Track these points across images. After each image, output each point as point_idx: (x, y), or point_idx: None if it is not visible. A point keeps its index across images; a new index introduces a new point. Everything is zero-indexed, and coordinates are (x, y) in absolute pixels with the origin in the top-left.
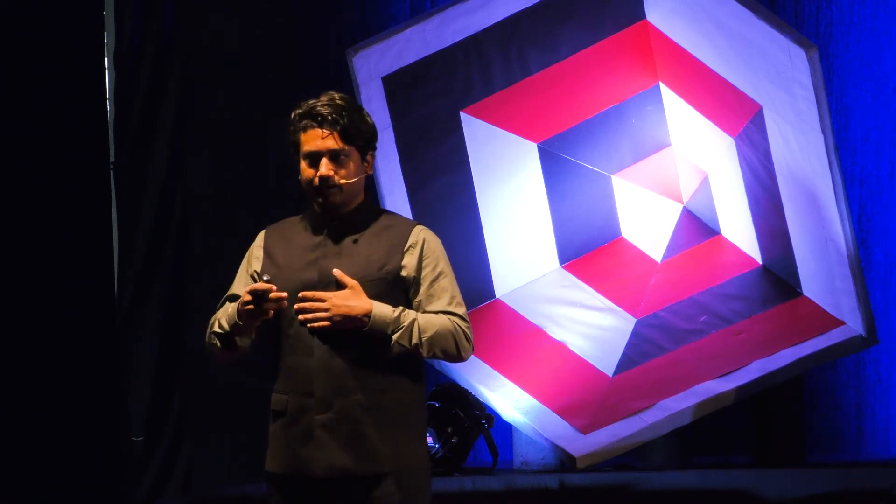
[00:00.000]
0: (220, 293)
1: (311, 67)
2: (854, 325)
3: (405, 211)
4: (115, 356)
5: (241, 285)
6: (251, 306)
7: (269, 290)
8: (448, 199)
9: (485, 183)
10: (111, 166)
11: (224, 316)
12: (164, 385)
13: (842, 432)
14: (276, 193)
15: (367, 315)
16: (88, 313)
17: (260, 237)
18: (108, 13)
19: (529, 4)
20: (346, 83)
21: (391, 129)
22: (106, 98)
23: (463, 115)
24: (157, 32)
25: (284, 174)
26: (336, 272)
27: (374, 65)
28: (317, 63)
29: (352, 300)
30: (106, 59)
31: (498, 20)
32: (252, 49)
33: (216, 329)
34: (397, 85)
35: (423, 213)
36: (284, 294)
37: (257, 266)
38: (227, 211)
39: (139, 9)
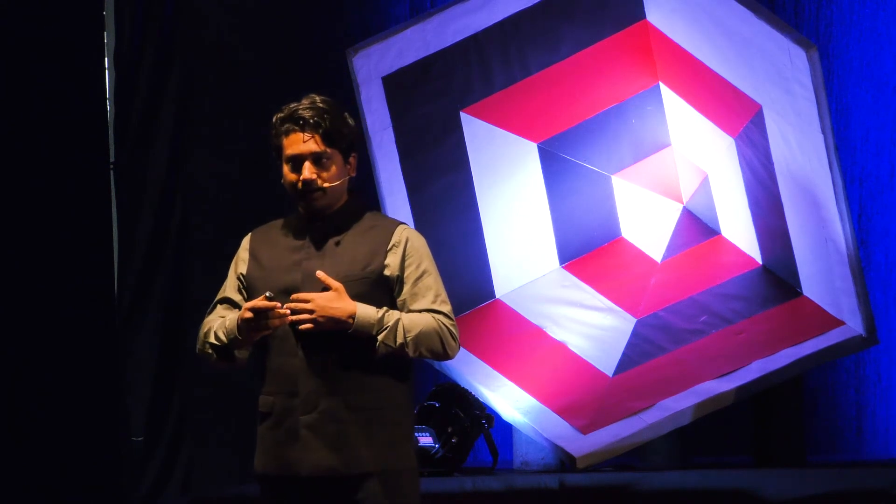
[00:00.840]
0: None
1: (311, 67)
2: (854, 325)
3: (405, 211)
4: (115, 356)
5: (231, 289)
6: (253, 323)
7: (273, 307)
8: (448, 199)
9: (485, 183)
10: (111, 166)
11: (220, 328)
12: (164, 385)
13: (842, 432)
14: (276, 193)
15: (352, 317)
16: (88, 313)
17: (246, 240)
18: (108, 13)
19: (529, 4)
20: (346, 83)
21: (391, 129)
22: (106, 98)
23: (463, 115)
24: (157, 32)
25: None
26: (319, 274)
27: (374, 65)
28: (317, 63)
29: (336, 302)
30: (106, 59)
31: (498, 20)
32: (252, 49)
33: (212, 340)
34: (397, 85)
35: (423, 213)
36: (287, 311)
37: (243, 269)
38: (227, 211)
39: (139, 9)
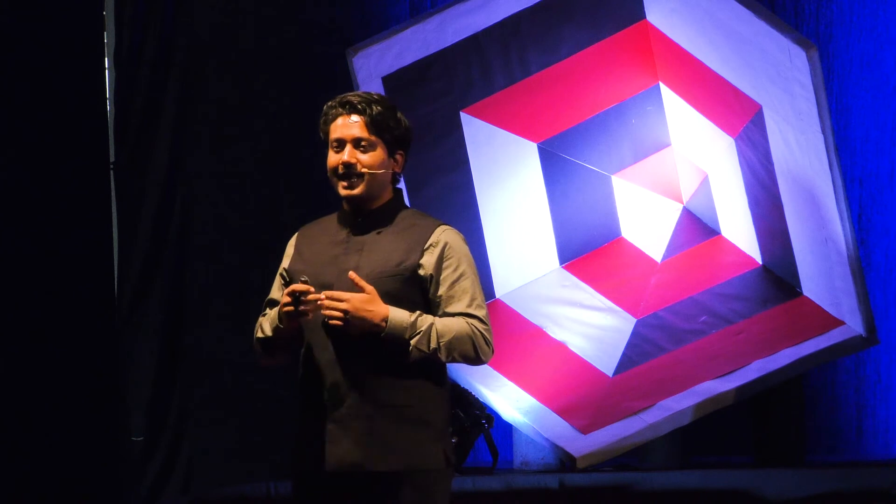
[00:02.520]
0: (220, 293)
1: (311, 67)
2: (854, 324)
3: None
4: (115, 356)
5: (276, 289)
6: (290, 307)
7: (308, 291)
8: (448, 199)
9: (485, 183)
10: (111, 166)
11: (267, 320)
12: (164, 385)
13: (842, 432)
14: (277, 193)
15: (385, 320)
16: (88, 313)
17: (294, 237)
18: (108, 13)
19: (529, 4)
20: (346, 83)
21: None
22: (106, 98)
23: (463, 115)
24: (157, 32)
25: (285, 174)
26: (351, 275)
27: (374, 65)
28: (317, 63)
29: (370, 305)
30: (106, 59)
31: (498, 20)
32: (252, 49)
33: (259, 335)
34: (397, 85)
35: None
36: (321, 295)
37: (286, 263)
38: (227, 211)
39: (139, 9)
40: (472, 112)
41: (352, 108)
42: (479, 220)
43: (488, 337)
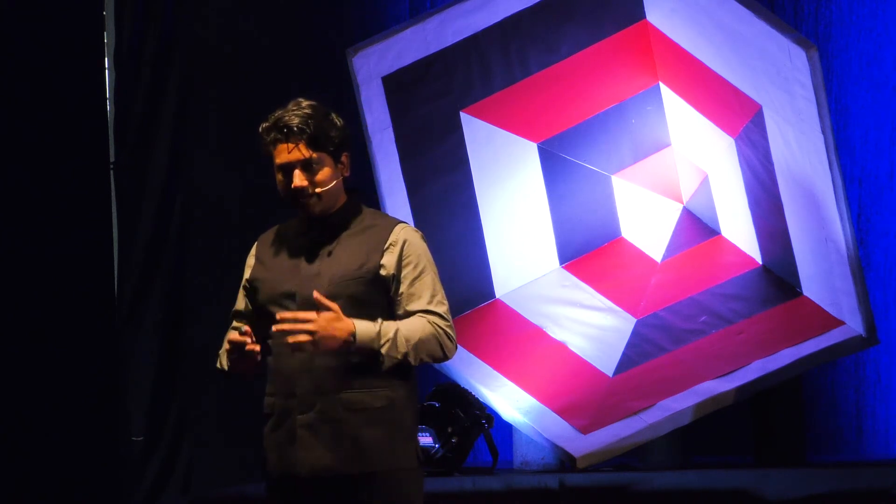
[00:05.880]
0: (219, 293)
1: (311, 67)
2: (854, 325)
3: (405, 211)
4: (115, 356)
5: (240, 300)
6: (234, 354)
7: (244, 343)
8: (448, 199)
9: (485, 183)
10: (111, 166)
11: (224, 354)
12: (164, 385)
13: (842, 432)
14: (277, 194)
15: (352, 335)
16: (88, 313)
17: (254, 246)
18: (108, 13)
19: (529, 4)
20: (346, 83)
21: (391, 129)
22: (106, 98)
23: (463, 115)
24: (157, 32)
25: None
26: (316, 295)
27: (374, 65)
28: (317, 63)
29: (337, 322)
30: (106, 59)
31: (498, 20)
32: (252, 49)
33: (218, 365)
34: (397, 85)
35: (423, 213)
36: (257, 347)
37: (248, 274)
38: (228, 211)
39: (139, 9)
40: (472, 112)
41: (289, 133)
42: (479, 220)
43: (451, 333)
